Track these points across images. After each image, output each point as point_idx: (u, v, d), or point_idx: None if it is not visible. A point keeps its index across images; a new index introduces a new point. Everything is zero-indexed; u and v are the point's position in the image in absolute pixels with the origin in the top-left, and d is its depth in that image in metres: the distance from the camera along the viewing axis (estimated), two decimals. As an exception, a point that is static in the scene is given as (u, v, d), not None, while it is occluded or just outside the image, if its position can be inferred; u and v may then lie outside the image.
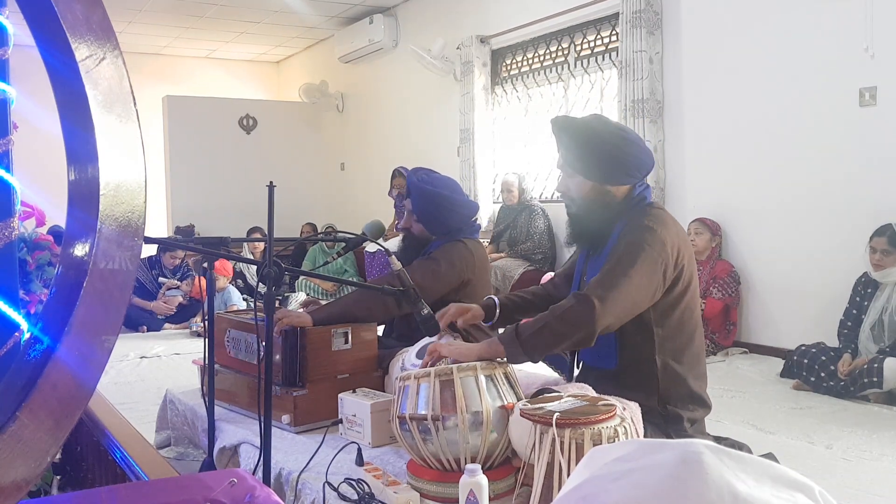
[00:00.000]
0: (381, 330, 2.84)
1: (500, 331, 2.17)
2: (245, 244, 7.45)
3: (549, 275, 5.29)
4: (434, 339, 2.20)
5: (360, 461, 2.01)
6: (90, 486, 2.06)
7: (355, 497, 1.81)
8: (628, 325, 2.00)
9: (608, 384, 2.02)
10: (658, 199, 5.22)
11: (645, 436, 1.89)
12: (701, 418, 2.14)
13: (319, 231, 8.18)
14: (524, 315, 2.44)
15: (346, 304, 2.60)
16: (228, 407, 2.64)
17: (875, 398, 3.56)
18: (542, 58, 6.43)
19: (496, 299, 2.36)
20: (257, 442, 2.02)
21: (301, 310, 2.67)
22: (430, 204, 2.83)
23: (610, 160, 2.08)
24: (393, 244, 6.85)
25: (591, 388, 1.95)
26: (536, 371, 2.25)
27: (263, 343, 1.98)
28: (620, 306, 1.91)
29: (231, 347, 2.65)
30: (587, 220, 2.15)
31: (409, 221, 2.93)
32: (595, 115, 2.21)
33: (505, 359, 1.92)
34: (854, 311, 3.91)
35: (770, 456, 2.16)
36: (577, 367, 2.28)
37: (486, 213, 6.84)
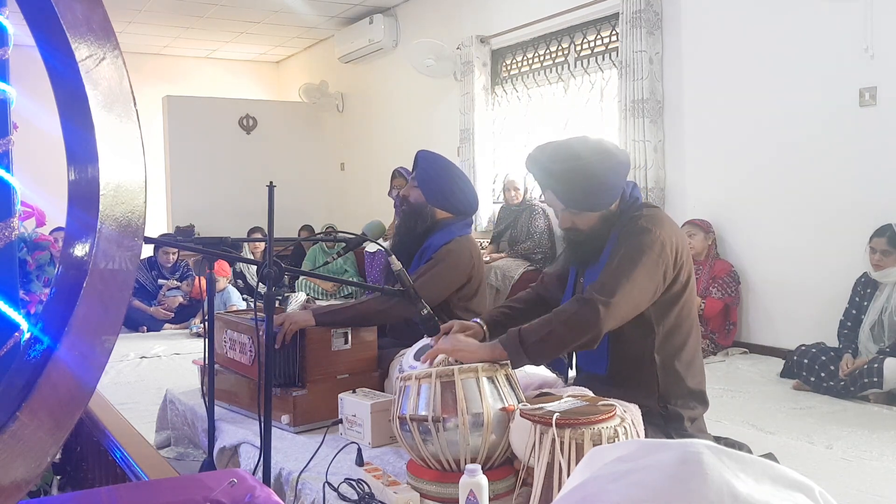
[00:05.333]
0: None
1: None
2: (245, 244, 7.45)
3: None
4: (432, 340, 2.20)
5: (360, 461, 2.01)
6: (90, 486, 2.06)
7: (355, 497, 1.81)
8: (626, 326, 2.01)
9: (603, 387, 2.03)
10: (658, 199, 5.22)
11: (646, 437, 1.89)
12: (700, 416, 2.15)
13: (317, 232, 8.18)
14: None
15: (349, 317, 2.57)
16: (228, 407, 2.64)
17: (875, 398, 3.56)
18: (542, 58, 6.43)
19: (482, 323, 2.25)
20: (257, 442, 2.02)
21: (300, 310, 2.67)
22: (433, 168, 2.83)
23: (600, 190, 2.08)
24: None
25: (589, 391, 1.95)
26: (534, 371, 2.27)
27: (254, 344, 1.99)
28: (623, 310, 1.93)
29: (228, 348, 2.64)
30: (591, 244, 2.14)
31: (409, 189, 2.89)
32: (571, 146, 2.10)
33: (507, 362, 1.92)
34: (854, 312, 3.91)
35: (770, 456, 2.16)
36: (572, 369, 2.29)
37: (486, 213, 6.84)
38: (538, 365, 2.06)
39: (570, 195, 2.09)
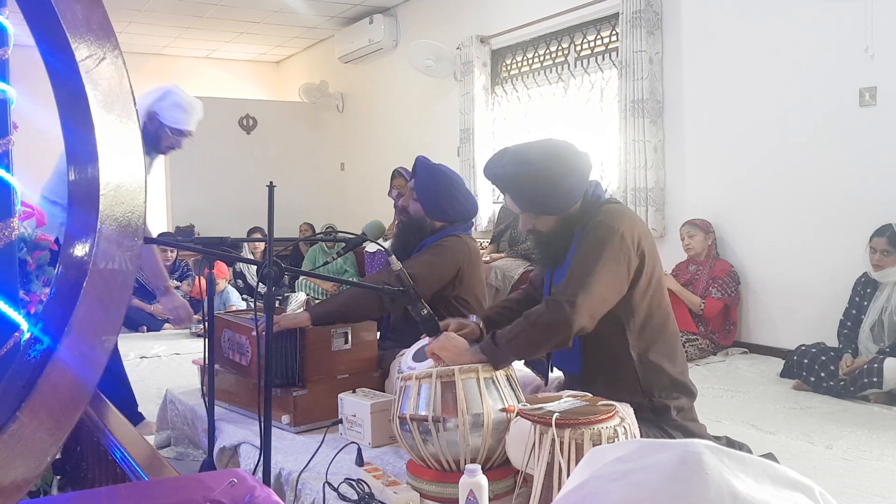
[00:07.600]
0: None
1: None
2: (245, 244, 7.45)
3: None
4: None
5: (360, 461, 2.01)
6: (90, 486, 2.06)
7: (355, 497, 1.81)
8: (597, 325, 2.02)
9: (581, 387, 2.04)
10: (658, 199, 5.22)
11: (640, 433, 1.89)
12: (687, 406, 2.16)
13: (318, 231, 8.17)
14: None
15: (341, 302, 2.59)
16: (228, 407, 2.64)
17: (875, 398, 3.56)
18: (542, 58, 6.43)
19: (479, 321, 2.35)
20: (257, 442, 2.02)
21: (300, 310, 2.67)
22: (433, 182, 2.83)
23: (553, 194, 2.09)
24: (393, 244, 6.85)
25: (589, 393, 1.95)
26: (522, 371, 2.28)
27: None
28: (591, 306, 1.94)
29: (226, 348, 2.64)
30: (555, 245, 2.17)
31: (408, 200, 2.90)
32: (524, 152, 2.10)
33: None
34: (854, 312, 3.91)
35: (770, 456, 2.16)
36: (552, 370, 2.30)
37: (486, 214, 6.83)
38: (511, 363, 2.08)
39: (524, 200, 2.12)
